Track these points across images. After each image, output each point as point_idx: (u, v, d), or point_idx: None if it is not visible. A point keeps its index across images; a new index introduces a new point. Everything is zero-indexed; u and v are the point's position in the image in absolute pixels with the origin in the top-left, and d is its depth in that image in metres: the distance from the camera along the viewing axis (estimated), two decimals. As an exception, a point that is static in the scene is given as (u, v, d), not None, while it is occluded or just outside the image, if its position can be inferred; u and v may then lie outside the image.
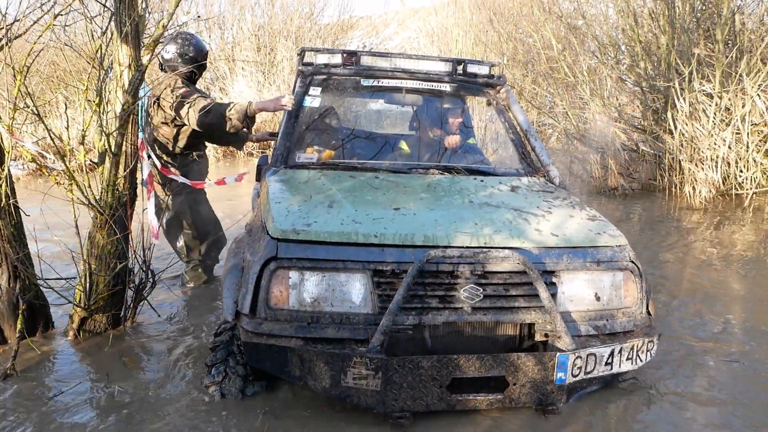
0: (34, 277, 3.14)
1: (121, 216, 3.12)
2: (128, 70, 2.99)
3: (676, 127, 6.66)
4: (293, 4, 15.23)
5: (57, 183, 3.08)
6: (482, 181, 3.19)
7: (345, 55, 3.58)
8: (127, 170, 3.13)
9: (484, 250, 2.36)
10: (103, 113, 2.98)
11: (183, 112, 3.63)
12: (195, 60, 3.81)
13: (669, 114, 6.72)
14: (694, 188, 6.57)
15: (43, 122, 3.01)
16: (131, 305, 3.37)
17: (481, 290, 2.35)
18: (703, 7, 7.04)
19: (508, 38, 10.23)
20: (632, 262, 2.55)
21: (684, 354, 3.01)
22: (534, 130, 3.70)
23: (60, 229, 3.78)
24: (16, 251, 3.05)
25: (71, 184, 3.02)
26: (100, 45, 3.08)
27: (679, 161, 6.73)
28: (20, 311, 3.06)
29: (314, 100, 3.56)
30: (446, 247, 2.37)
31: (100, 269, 3.14)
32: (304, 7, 14.91)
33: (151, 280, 3.39)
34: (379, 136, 3.98)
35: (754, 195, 6.46)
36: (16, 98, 2.90)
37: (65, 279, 3.25)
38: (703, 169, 6.44)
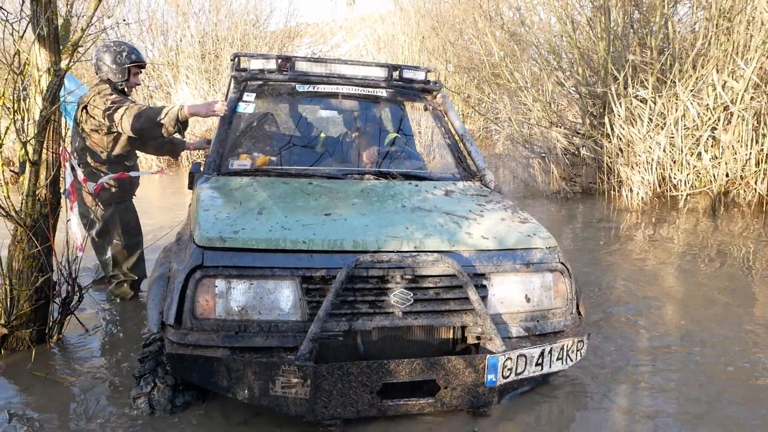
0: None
1: (42, 227, 2.98)
2: (47, 75, 2.86)
3: (613, 132, 6.85)
4: (239, 11, 15.07)
5: (-28, 194, 2.92)
6: (417, 185, 3.14)
7: (280, 60, 3.52)
8: (49, 179, 2.99)
9: (414, 254, 2.31)
10: (20, 120, 2.84)
11: (116, 117, 3.50)
12: (126, 71, 3.70)
13: (606, 119, 6.91)
14: (631, 191, 6.76)
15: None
16: (57, 320, 3.22)
17: (412, 294, 2.32)
18: (638, 15, 7.28)
19: (452, 45, 10.35)
20: (562, 263, 2.57)
21: (617, 354, 3.07)
22: (469, 135, 3.71)
23: None
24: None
25: (-9, 195, 2.88)
26: (18, 50, 2.94)
27: (617, 165, 6.92)
28: (-66, 330, 2.89)
29: (248, 106, 3.49)
30: (376, 252, 2.32)
31: (21, 284, 2.99)
32: (249, 14, 14.78)
33: (77, 293, 3.25)
34: (315, 142, 3.87)
35: (689, 196, 6.69)
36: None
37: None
38: (639, 172, 6.64)
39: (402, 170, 3.43)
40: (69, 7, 3.40)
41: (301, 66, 3.57)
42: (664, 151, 6.57)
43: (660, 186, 6.81)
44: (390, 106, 4.05)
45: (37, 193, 2.96)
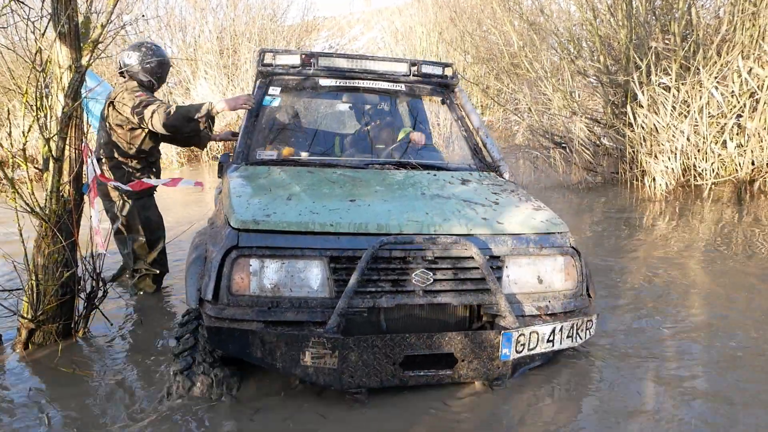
0: (-23, 289, 3.02)
1: (66, 223, 3.01)
2: (68, 72, 2.89)
3: (636, 120, 6.74)
4: (256, 6, 15.11)
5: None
6: (435, 175, 3.30)
7: (304, 56, 3.69)
8: (72, 175, 3.03)
9: (434, 237, 2.47)
10: (43, 117, 2.87)
11: (146, 114, 3.58)
12: (155, 72, 3.83)
13: (628, 107, 6.80)
14: (654, 180, 6.65)
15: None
16: (82, 314, 3.26)
17: (432, 275, 2.47)
18: (660, 2, 7.14)
19: (471, 36, 10.26)
20: (572, 247, 2.72)
21: (631, 333, 3.03)
22: (485, 127, 3.83)
23: (4, 239, 3.65)
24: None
25: (14, 193, 2.91)
26: (39, 47, 2.97)
27: (640, 154, 6.81)
28: (-37, 325, 2.94)
29: (274, 99, 3.69)
30: (398, 234, 2.48)
31: (47, 279, 3.03)
32: (266, 8, 14.79)
33: (102, 288, 3.29)
34: (338, 134, 4.09)
35: (713, 185, 6.57)
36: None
37: (9, 291, 3.11)
38: (662, 161, 6.53)
39: (421, 161, 3.56)
40: (89, 4, 3.42)
41: (325, 62, 3.72)
42: (688, 139, 6.44)
43: (684, 175, 6.69)
44: (409, 100, 4.19)
45: (60, 189, 3.00)
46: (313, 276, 2.46)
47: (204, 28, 13.94)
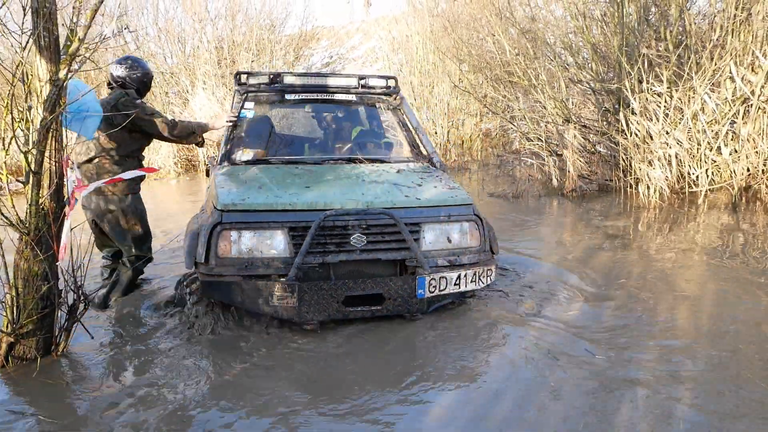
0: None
1: (46, 236, 3.01)
2: (48, 85, 2.88)
3: (628, 128, 6.72)
4: (255, 16, 15.16)
5: (-23, 204, 2.95)
6: (376, 167, 4.17)
7: (271, 76, 4.55)
8: (52, 189, 3.02)
9: (366, 210, 3.34)
10: (23, 130, 2.87)
11: (157, 122, 4.09)
12: (141, 81, 4.19)
13: (621, 114, 6.78)
14: (648, 187, 6.62)
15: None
16: (64, 327, 3.25)
17: (365, 238, 3.35)
18: (654, 9, 7.14)
19: (466, 44, 10.26)
20: (476, 215, 3.60)
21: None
22: (422, 127, 4.67)
23: None
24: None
25: (-4, 205, 2.91)
26: (20, 61, 2.97)
27: (633, 161, 6.79)
28: (-57, 339, 2.93)
29: (249, 112, 4.56)
30: (340, 209, 3.34)
31: (27, 292, 3.02)
32: (265, 19, 14.84)
33: (83, 301, 3.27)
34: (303, 138, 5.05)
35: (708, 192, 6.53)
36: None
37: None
38: (656, 168, 6.50)
39: (367, 156, 4.46)
40: (76, 17, 3.43)
41: (288, 79, 4.60)
42: (681, 145, 6.42)
43: (678, 182, 6.65)
44: (361, 107, 5.02)
45: (40, 202, 2.99)
46: (277, 242, 3.33)
47: (203, 38, 14.00)
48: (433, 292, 3.31)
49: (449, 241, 3.52)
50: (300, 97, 4.64)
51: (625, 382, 2.67)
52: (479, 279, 3.42)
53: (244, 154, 4.39)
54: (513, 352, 3.02)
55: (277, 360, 3.06)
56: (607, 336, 3.21)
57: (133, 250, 4.19)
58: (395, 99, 4.71)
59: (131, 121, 3.86)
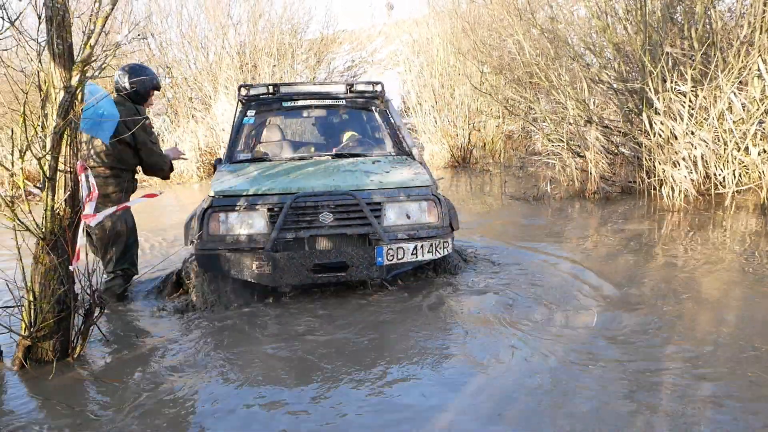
0: (-24, 307, 3.05)
1: (61, 241, 3.04)
2: (63, 93, 2.92)
3: (652, 128, 6.59)
4: (277, 21, 15.26)
5: (-5, 210, 3.00)
6: (355, 160, 4.71)
7: (270, 87, 5.10)
8: (67, 194, 3.06)
9: (333, 193, 3.92)
10: (36, 137, 2.91)
11: (154, 152, 4.26)
12: (135, 90, 4.21)
13: (644, 115, 6.65)
14: (672, 189, 6.47)
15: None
16: (80, 330, 3.28)
17: (333, 216, 3.91)
18: (679, 7, 6.99)
19: (485, 46, 10.18)
20: (434, 195, 4.09)
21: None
22: (404, 126, 5.19)
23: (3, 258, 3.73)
24: (-45, 281, 2.97)
25: (14, 211, 2.96)
26: (37, 70, 3.02)
27: (657, 162, 6.65)
28: (-38, 343, 2.98)
29: (250, 119, 5.17)
30: (312, 192, 3.91)
31: (43, 296, 3.06)
32: (286, 23, 14.93)
33: (99, 305, 3.30)
34: (298, 139, 5.80)
35: (735, 194, 6.37)
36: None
37: (6, 308, 3.15)
38: (680, 169, 6.35)
39: (351, 151, 5.03)
40: (94, 24, 3.47)
41: (284, 89, 5.22)
42: (706, 146, 6.26)
43: (704, 184, 6.49)
44: (352, 111, 5.53)
45: (55, 207, 3.03)
46: (258, 221, 3.92)
47: (225, 44, 14.14)
48: (391, 260, 3.85)
49: (408, 217, 4.04)
50: (295, 104, 5.26)
51: (642, 385, 2.60)
52: (435, 250, 3.97)
53: (244, 154, 5.05)
54: (529, 353, 2.96)
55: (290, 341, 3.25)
56: (624, 339, 3.13)
57: (113, 264, 4.17)
58: (381, 102, 5.27)
59: (132, 134, 4.01)
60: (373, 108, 5.31)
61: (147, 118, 4.16)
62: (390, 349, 3.18)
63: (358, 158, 4.78)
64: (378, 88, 5.19)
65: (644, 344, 3.08)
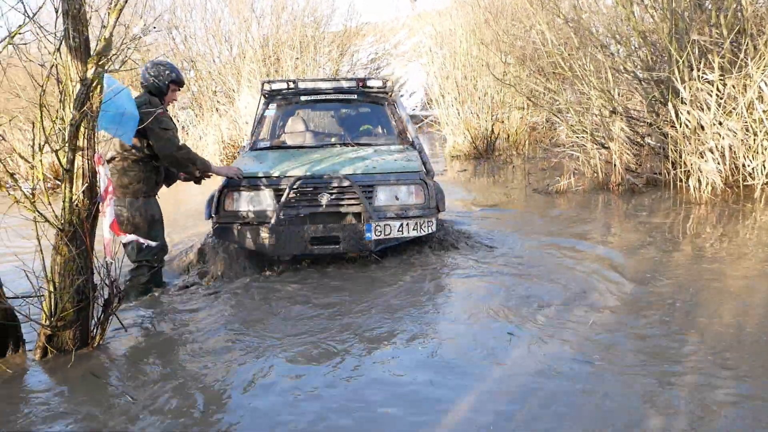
0: (1, 296, 3.11)
1: (80, 232, 3.08)
2: (79, 85, 2.95)
3: (678, 118, 6.43)
4: (300, 14, 15.28)
5: (16, 201, 3.05)
6: (359, 149, 5.29)
7: (289, 82, 5.72)
8: (85, 186, 3.09)
9: (331, 176, 4.47)
10: (54, 129, 2.95)
11: (163, 136, 4.04)
12: (156, 86, 4.23)
13: (670, 104, 6.49)
14: (699, 181, 6.32)
15: (4, 139, 2.99)
16: (99, 320, 3.33)
17: (330, 196, 4.46)
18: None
19: (507, 36, 10.05)
20: (421, 179, 4.56)
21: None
22: (409, 119, 5.70)
23: (21, 247, 3.79)
24: (-22, 271, 3.03)
25: (33, 203, 3.00)
26: (54, 63, 3.05)
27: (684, 153, 6.49)
28: (-15, 331, 3.04)
29: (271, 111, 5.91)
30: (313, 176, 4.50)
31: (63, 286, 3.11)
32: (309, 16, 14.93)
33: (117, 295, 3.35)
34: (313, 129, 6.13)
35: (765, 186, 6.19)
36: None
37: (27, 297, 3.20)
38: (707, 160, 6.19)
39: (359, 141, 5.59)
40: (112, 17, 3.49)
41: (302, 84, 5.77)
42: (735, 136, 6.09)
43: (732, 175, 6.32)
44: (363, 103, 6.08)
45: (73, 199, 3.07)
46: (265, 199, 4.54)
47: (248, 37, 14.20)
48: (379, 236, 4.38)
49: (397, 199, 4.54)
50: (311, 98, 5.86)
51: (661, 382, 2.54)
52: (420, 228, 4.47)
53: (264, 142, 5.71)
54: (547, 353, 2.92)
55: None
56: (645, 334, 3.06)
57: (134, 254, 4.16)
58: (390, 96, 5.84)
59: (144, 128, 3.88)
60: (382, 102, 5.90)
61: (159, 107, 4.06)
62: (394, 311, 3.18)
63: (363, 147, 5.36)
64: (388, 84, 5.71)
65: (663, 342, 3.01)
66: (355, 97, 5.82)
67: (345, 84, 5.77)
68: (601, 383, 2.58)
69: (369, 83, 5.70)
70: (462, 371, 2.77)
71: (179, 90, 4.41)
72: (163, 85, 4.21)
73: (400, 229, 4.40)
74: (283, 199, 4.36)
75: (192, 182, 4.62)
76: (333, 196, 4.43)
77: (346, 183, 4.41)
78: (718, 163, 6.22)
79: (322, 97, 5.84)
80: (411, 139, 5.45)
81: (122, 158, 4.11)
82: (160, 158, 4.13)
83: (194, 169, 4.23)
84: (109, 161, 4.06)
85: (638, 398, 2.44)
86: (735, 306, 3.41)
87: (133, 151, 4.10)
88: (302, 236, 4.34)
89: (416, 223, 4.42)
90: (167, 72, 4.23)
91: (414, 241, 4.70)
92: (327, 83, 5.83)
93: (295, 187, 4.40)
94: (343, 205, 4.44)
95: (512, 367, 2.79)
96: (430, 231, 4.51)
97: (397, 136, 5.65)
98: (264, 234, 4.35)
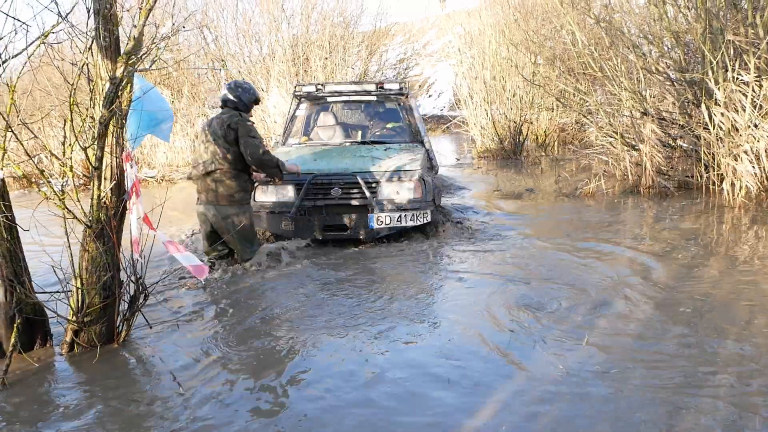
0: (30, 291, 3.18)
1: (107, 229, 3.13)
2: (108, 84, 3.00)
3: (711, 120, 6.28)
4: (329, 14, 15.33)
5: (46, 198, 3.11)
6: (373, 147, 6.04)
7: (317, 85, 6.50)
8: (113, 183, 3.14)
9: (342, 173, 5.23)
10: (84, 127, 3.00)
11: (252, 143, 4.60)
12: (243, 103, 4.78)
13: (703, 106, 6.35)
14: (733, 185, 6.16)
15: (36, 136, 3.06)
16: (125, 317, 3.38)
17: (341, 190, 5.19)
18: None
19: (539, 35, 9.93)
20: (420, 177, 5.21)
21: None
22: (422, 120, 6.53)
23: (50, 243, 3.88)
24: (10, 266, 3.10)
25: (63, 200, 3.06)
26: (84, 61, 3.11)
27: (717, 156, 6.34)
28: (15, 325, 3.11)
29: (302, 110, 6.80)
30: (327, 173, 5.24)
31: (90, 282, 3.16)
32: (337, 17, 14.97)
33: (143, 292, 3.39)
34: (336, 127, 6.77)
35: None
36: (8, 115, 2.95)
37: (54, 292, 3.26)
38: (742, 163, 6.03)
39: (374, 140, 6.44)
40: (143, 18, 3.54)
41: (329, 87, 6.52)
42: (770, 139, 5.93)
43: (767, 179, 6.15)
44: (382, 105, 6.92)
45: (101, 196, 3.12)
46: (288, 192, 5.25)
47: (278, 36, 14.30)
48: (380, 225, 5.15)
49: (397, 194, 5.22)
50: (336, 99, 6.72)
51: (688, 394, 2.48)
52: (416, 218, 5.18)
53: (293, 139, 6.62)
54: (569, 360, 2.87)
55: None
56: (670, 348, 2.99)
57: (247, 252, 4.75)
58: (406, 98, 6.51)
59: (236, 137, 4.57)
60: (398, 104, 6.65)
61: (249, 120, 4.72)
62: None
63: (376, 145, 6.15)
64: (402, 87, 6.41)
65: (687, 364, 2.93)
66: (375, 98, 6.62)
67: (365, 87, 6.55)
68: (616, 392, 2.53)
69: (386, 86, 6.39)
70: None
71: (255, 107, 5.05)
72: (248, 103, 4.80)
73: (399, 219, 5.14)
74: (302, 192, 5.11)
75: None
76: (344, 190, 5.17)
77: (354, 179, 5.14)
78: (754, 166, 6.05)
79: (345, 98, 6.68)
80: (421, 138, 6.20)
81: (223, 171, 4.60)
82: (249, 161, 4.62)
83: (279, 172, 4.83)
84: (209, 173, 4.61)
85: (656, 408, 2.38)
86: (761, 308, 3.31)
87: (232, 164, 4.61)
88: (316, 223, 5.16)
89: (413, 215, 5.15)
90: (250, 92, 4.83)
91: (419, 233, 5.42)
92: (350, 86, 6.68)
93: (312, 182, 5.13)
94: (351, 198, 5.18)
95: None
96: (426, 221, 5.22)
97: (409, 135, 6.38)
98: (286, 221, 5.15)
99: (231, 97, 4.76)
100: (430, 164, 6.06)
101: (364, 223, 5.12)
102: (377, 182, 5.18)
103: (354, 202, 5.17)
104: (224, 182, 4.62)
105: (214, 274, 4.55)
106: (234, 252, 4.80)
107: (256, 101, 4.92)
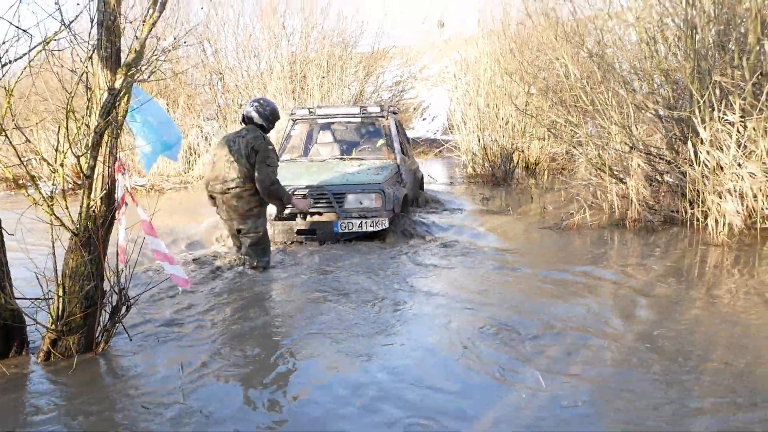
0: (11, 297, 3.17)
1: (93, 238, 3.15)
2: (106, 94, 3.04)
3: (697, 157, 6.40)
4: (329, 34, 15.50)
5: (35, 203, 3.12)
6: (350, 163, 7.05)
7: (309, 109, 7.64)
8: (104, 192, 3.17)
9: (315, 187, 6.19)
10: (78, 135, 3.03)
11: (264, 170, 4.91)
12: (267, 119, 5.18)
13: (689, 143, 6.47)
14: (717, 222, 6.26)
15: (28, 140, 3.08)
16: (105, 328, 3.38)
17: (314, 200, 6.12)
18: (732, 35, 6.78)
19: (533, 67, 10.10)
20: (381, 189, 6.21)
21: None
22: (406, 139, 8.24)
23: (35, 250, 3.88)
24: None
25: (51, 206, 3.08)
26: (85, 70, 3.15)
27: (702, 193, 6.44)
28: (-7, 331, 3.10)
29: (295, 131, 7.92)
30: (303, 186, 6.21)
31: (72, 290, 3.17)
32: (336, 37, 15.14)
33: (125, 303, 3.39)
34: (324, 144, 7.89)
35: (784, 230, 6.10)
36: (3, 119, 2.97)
37: (36, 299, 3.26)
38: (725, 201, 6.13)
39: (355, 156, 7.46)
40: (147, 32, 3.59)
41: (319, 111, 7.68)
42: (755, 178, 6.04)
43: (750, 217, 6.25)
44: (365, 126, 8.23)
45: (91, 205, 3.14)
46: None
47: (276, 53, 14.43)
48: (344, 230, 6.08)
49: (361, 203, 6.19)
50: (326, 121, 7.84)
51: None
52: (375, 224, 6.09)
53: (286, 155, 7.53)
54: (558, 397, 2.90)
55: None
56: (644, 391, 3.03)
57: (260, 261, 5.13)
58: (387, 120, 7.49)
59: (255, 153, 4.89)
60: (379, 125, 7.71)
61: (270, 144, 5.06)
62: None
63: (354, 161, 7.17)
64: (383, 109, 7.46)
65: (667, 408, 2.97)
66: (359, 120, 7.69)
67: (351, 110, 7.61)
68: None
69: (369, 109, 7.50)
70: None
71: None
72: (273, 122, 5.21)
73: (360, 225, 6.07)
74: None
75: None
76: (316, 200, 6.13)
77: (324, 192, 6.16)
78: (737, 204, 6.15)
79: (332, 120, 7.78)
80: (395, 157, 7.19)
81: (243, 189, 4.95)
82: (258, 186, 4.93)
83: (282, 204, 5.18)
84: (227, 191, 4.95)
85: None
86: (741, 347, 3.36)
87: (252, 183, 4.95)
88: (291, 228, 6.14)
89: (372, 221, 6.06)
90: (276, 113, 5.23)
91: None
92: (337, 109, 7.82)
93: (296, 193, 6.01)
94: (322, 206, 6.16)
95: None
96: (384, 227, 6.13)
97: (386, 153, 7.33)
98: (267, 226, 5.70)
99: (256, 115, 5.10)
100: (399, 178, 6.96)
101: (330, 228, 6.08)
102: (344, 194, 6.17)
103: (324, 210, 6.14)
104: (243, 198, 4.99)
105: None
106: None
107: (278, 120, 5.31)
